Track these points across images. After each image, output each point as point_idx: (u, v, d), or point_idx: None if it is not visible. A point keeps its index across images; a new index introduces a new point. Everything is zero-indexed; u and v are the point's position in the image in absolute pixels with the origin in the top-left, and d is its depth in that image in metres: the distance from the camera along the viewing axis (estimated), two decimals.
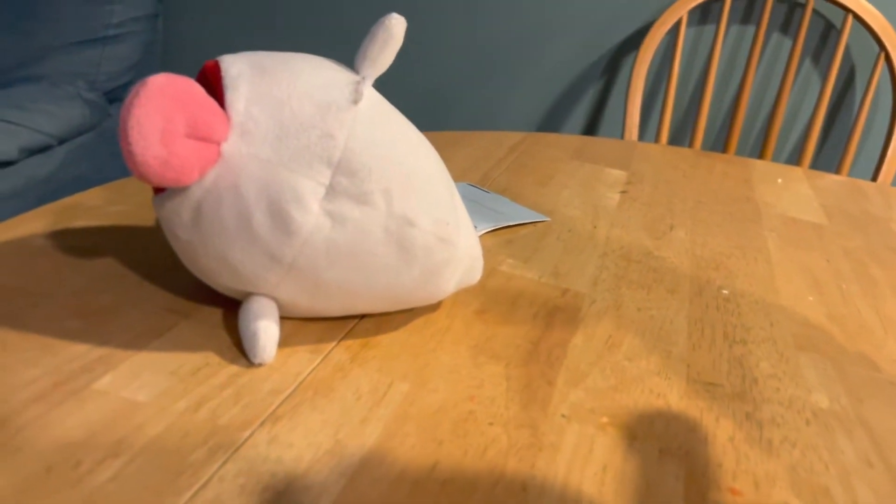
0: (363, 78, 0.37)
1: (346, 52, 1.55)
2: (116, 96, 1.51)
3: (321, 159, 0.35)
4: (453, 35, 1.47)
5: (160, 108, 0.31)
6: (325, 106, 0.35)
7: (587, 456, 0.34)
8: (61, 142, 1.35)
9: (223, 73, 0.35)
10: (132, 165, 0.31)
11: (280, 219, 0.34)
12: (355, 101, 0.36)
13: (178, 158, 0.32)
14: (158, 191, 0.37)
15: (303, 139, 0.35)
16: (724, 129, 1.41)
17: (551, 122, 1.49)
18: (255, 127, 0.34)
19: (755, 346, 0.46)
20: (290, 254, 0.35)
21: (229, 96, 0.35)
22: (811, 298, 0.54)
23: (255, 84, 0.35)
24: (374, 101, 0.37)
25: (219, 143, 0.34)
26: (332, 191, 0.35)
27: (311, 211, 0.35)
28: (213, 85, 0.36)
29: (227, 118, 0.34)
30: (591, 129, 1.47)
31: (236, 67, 0.36)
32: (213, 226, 0.35)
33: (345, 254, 0.36)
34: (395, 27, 0.37)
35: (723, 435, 0.37)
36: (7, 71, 1.43)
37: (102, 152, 1.46)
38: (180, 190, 0.35)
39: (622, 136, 1.36)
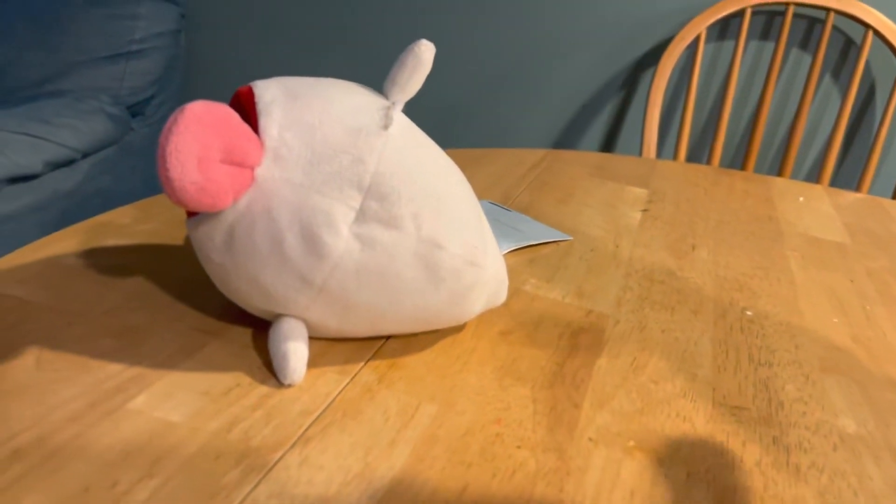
0: (393, 103, 0.38)
1: (368, 68, 1.56)
2: (139, 111, 1.53)
3: (352, 184, 0.35)
4: (471, 51, 1.48)
5: (198, 136, 0.32)
6: (356, 131, 0.36)
7: (615, 480, 0.34)
8: (85, 156, 1.37)
9: (257, 99, 0.36)
10: (170, 191, 0.32)
11: (311, 242, 0.35)
12: (385, 127, 0.37)
13: (214, 184, 0.32)
14: (192, 214, 0.38)
15: (334, 164, 0.35)
16: (743, 145, 1.41)
17: (569, 138, 1.49)
18: (287, 152, 0.35)
19: (780, 368, 0.46)
20: (320, 276, 0.36)
21: (263, 122, 0.35)
22: (836, 320, 0.53)
23: (288, 110, 0.36)
24: (403, 126, 0.38)
25: (252, 168, 0.34)
26: (362, 215, 0.36)
27: (342, 234, 0.35)
28: (247, 110, 0.37)
29: (261, 143, 0.35)
30: (608, 145, 1.48)
31: (270, 93, 0.36)
32: (245, 249, 0.35)
33: (374, 276, 0.36)
34: (424, 54, 0.37)
35: (750, 459, 0.37)
36: (33, 86, 1.46)
37: (124, 166, 1.48)
38: (214, 214, 0.35)
39: (640, 153, 1.36)
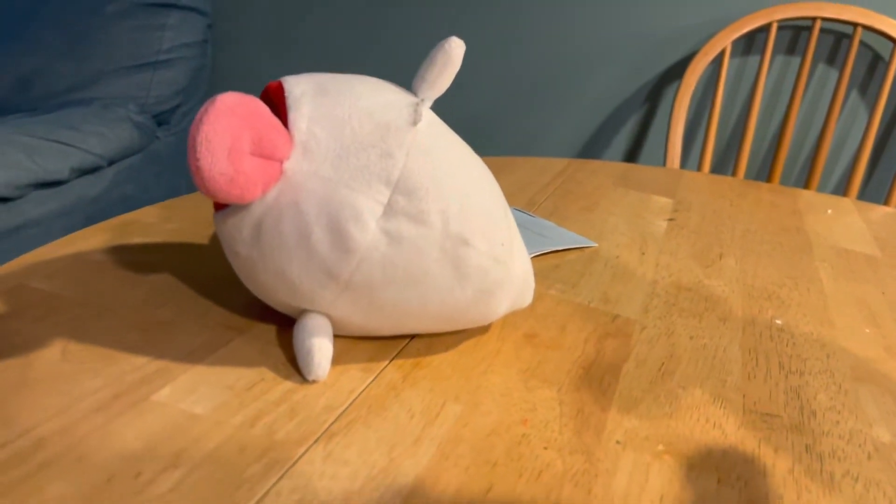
0: (422, 100, 0.38)
1: (394, 77, 1.57)
2: (164, 119, 1.55)
3: (380, 178, 0.35)
4: (496, 62, 1.49)
5: (228, 127, 0.32)
6: (385, 126, 0.36)
7: (643, 484, 0.33)
8: (111, 163, 1.39)
9: (287, 94, 0.36)
10: (199, 180, 0.32)
11: (339, 236, 0.35)
12: (414, 122, 0.36)
13: (243, 175, 0.32)
14: (219, 207, 0.38)
15: (362, 158, 0.35)
16: (768, 159, 1.39)
17: (593, 149, 1.49)
18: (316, 146, 0.35)
19: (812, 377, 0.45)
20: (346, 271, 0.35)
21: (292, 116, 0.35)
22: (868, 331, 0.52)
23: (318, 104, 0.36)
24: (432, 123, 0.38)
25: (281, 161, 0.34)
26: (389, 209, 0.35)
27: (369, 229, 0.35)
28: (277, 104, 0.37)
29: (290, 137, 0.35)
30: (632, 156, 1.47)
31: (300, 88, 0.36)
32: (272, 242, 0.35)
33: (400, 272, 0.36)
34: (454, 51, 0.37)
35: (782, 467, 0.36)
36: (62, 94, 1.48)
37: (148, 173, 1.50)
38: (242, 206, 0.35)
39: (664, 164, 1.35)
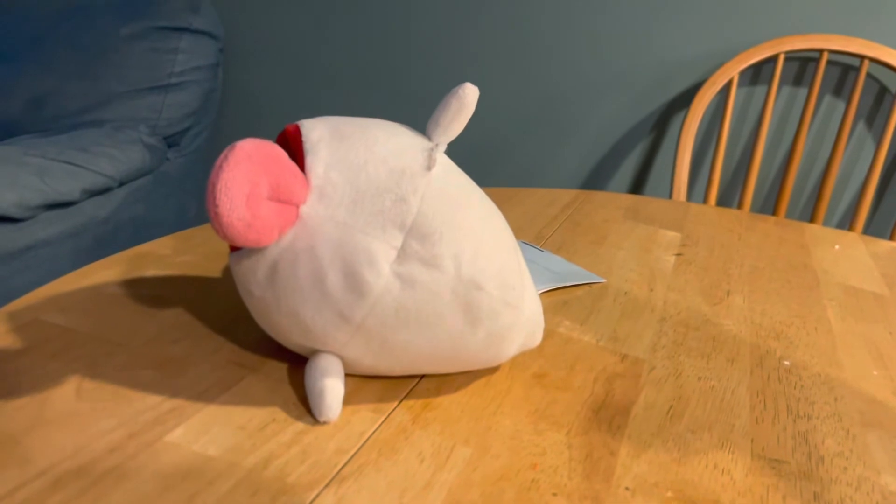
0: (436, 145, 0.38)
1: (399, 107, 1.58)
2: (175, 141, 1.56)
3: (394, 223, 0.36)
4: (503, 91, 1.50)
5: (247, 173, 0.32)
6: (400, 172, 0.36)
7: None
8: (121, 184, 1.40)
9: (304, 138, 0.37)
10: (217, 226, 0.32)
11: (353, 280, 0.35)
12: (429, 168, 0.37)
13: (260, 221, 0.33)
14: (235, 248, 0.38)
15: (377, 203, 0.36)
16: (774, 190, 1.40)
17: (599, 178, 1.49)
18: (332, 190, 0.35)
19: (820, 421, 0.45)
20: (360, 314, 0.36)
21: (309, 160, 0.36)
22: (876, 373, 0.52)
23: (334, 149, 0.36)
24: (446, 168, 0.38)
25: (298, 206, 0.35)
26: (403, 254, 0.36)
27: (383, 273, 0.35)
28: (293, 148, 0.38)
29: (307, 181, 0.35)
30: (637, 186, 1.48)
31: (316, 132, 0.37)
32: (287, 284, 0.36)
33: (413, 315, 0.36)
34: (468, 97, 0.38)
35: None
36: (74, 115, 1.50)
37: (158, 195, 1.51)
38: (257, 249, 0.36)
39: (670, 195, 1.36)
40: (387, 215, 0.36)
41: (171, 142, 1.56)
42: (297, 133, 0.38)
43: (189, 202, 1.64)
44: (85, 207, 1.33)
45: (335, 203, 0.35)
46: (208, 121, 1.64)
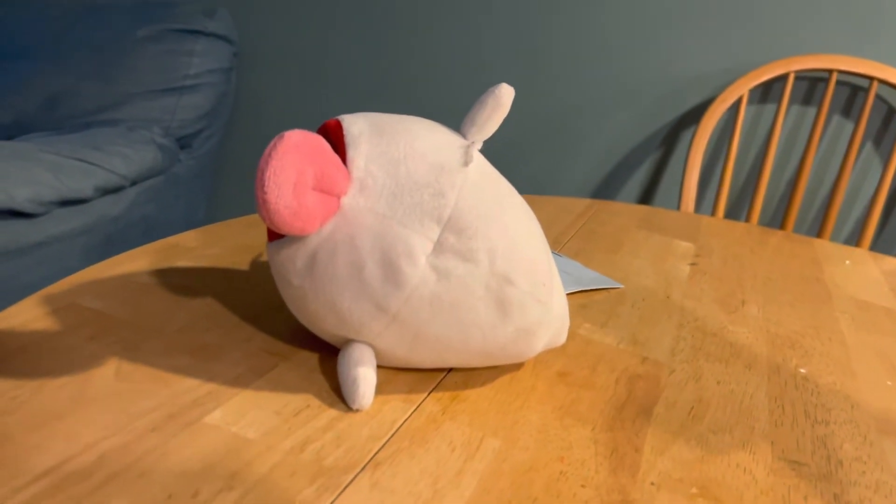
0: (472, 142, 0.39)
1: (413, 113, 1.59)
2: (187, 143, 1.57)
3: (432, 216, 0.36)
4: (516, 102, 1.51)
5: (294, 162, 0.33)
6: (438, 167, 0.37)
7: None
8: (133, 183, 1.41)
9: (345, 132, 0.38)
10: (265, 213, 0.33)
11: (390, 270, 0.36)
12: (466, 164, 0.38)
13: (305, 209, 0.34)
14: (273, 237, 0.39)
15: (416, 197, 0.36)
16: (782, 207, 1.41)
17: (609, 189, 1.51)
18: (373, 183, 0.36)
19: (837, 427, 0.46)
20: (395, 304, 0.37)
21: (351, 153, 0.37)
22: (889, 383, 0.53)
23: (375, 143, 0.37)
24: (481, 165, 0.39)
25: (339, 197, 0.36)
26: (439, 246, 0.37)
27: (420, 265, 0.36)
28: (335, 141, 0.39)
29: (348, 174, 0.36)
30: (646, 198, 1.49)
31: (357, 127, 0.38)
32: (326, 273, 0.36)
33: (446, 307, 0.37)
34: (504, 97, 0.39)
35: None
36: (89, 114, 1.51)
37: (169, 195, 1.52)
38: (297, 238, 0.37)
39: (678, 208, 1.37)
40: (425, 208, 0.36)
41: (184, 143, 1.57)
42: (339, 127, 0.39)
43: (199, 203, 1.65)
44: (97, 205, 1.34)
45: (375, 195, 0.36)
46: (220, 124, 1.65)
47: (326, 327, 0.39)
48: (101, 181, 1.33)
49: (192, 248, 0.54)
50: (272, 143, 0.33)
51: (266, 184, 0.33)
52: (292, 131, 0.34)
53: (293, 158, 0.33)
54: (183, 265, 0.51)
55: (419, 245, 0.36)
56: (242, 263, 0.53)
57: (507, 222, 0.38)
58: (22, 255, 1.23)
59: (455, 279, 0.37)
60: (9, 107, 1.54)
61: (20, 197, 1.18)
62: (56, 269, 1.29)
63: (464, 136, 0.40)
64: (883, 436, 0.46)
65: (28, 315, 0.41)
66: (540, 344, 0.41)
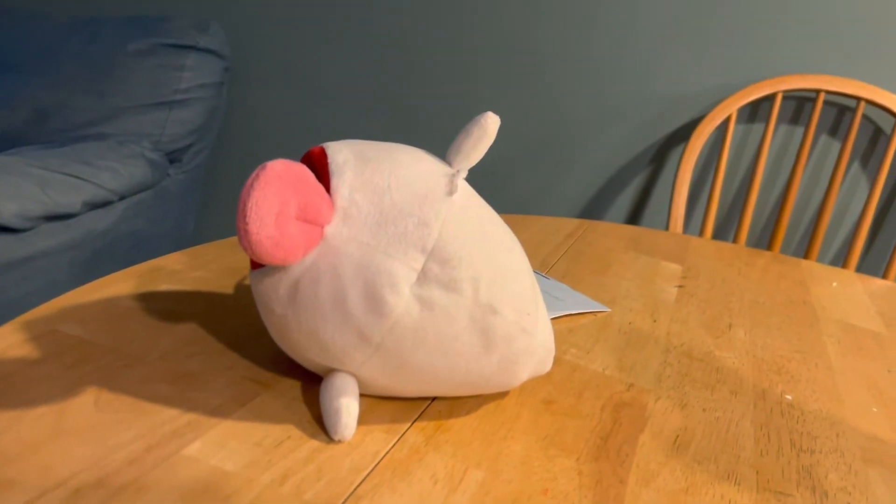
0: (457, 171, 0.39)
1: (402, 131, 1.60)
2: (176, 157, 1.57)
3: (416, 246, 0.36)
4: (504, 121, 1.52)
5: (277, 193, 0.33)
6: (423, 196, 0.37)
7: None
8: (122, 198, 1.40)
9: (330, 160, 0.37)
10: (246, 244, 0.33)
11: (374, 300, 0.36)
12: (450, 193, 0.38)
13: (288, 239, 0.33)
14: (256, 266, 0.39)
15: (400, 226, 0.36)
16: (769, 226, 1.42)
17: (598, 207, 1.51)
18: (357, 212, 0.36)
19: (822, 456, 0.45)
20: (378, 334, 0.36)
21: (335, 182, 0.37)
22: (875, 410, 0.53)
23: (359, 172, 0.37)
24: (466, 194, 0.39)
25: (323, 226, 0.36)
26: (423, 276, 0.36)
27: (403, 295, 0.36)
28: (318, 170, 0.38)
29: (332, 203, 0.36)
30: (635, 217, 1.49)
31: (342, 155, 0.38)
32: (308, 303, 0.36)
33: (430, 337, 0.37)
34: (490, 126, 0.39)
35: None
36: (79, 128, 1.50)
37: (157, 210, 1.51)
38: (280, 267, 0.36)
39: (666, 227, 1.37)
40: (409, 238, 0.36)
41: (173, 158, 1.57)
42: (323, 155, 0.38)
43: (188, 218, 1.64)
44: (85, 220, 1.33)
45: (359, 224, 0.36)
46: (210, 138, 1.65)
47: (309, 356, 0.39)
48: (90, 196, 1.32)
49: (177, 270, 0.54)
50: (254, 174, 0.33)
51: (248, 215, 0.32)
52: (275, 161, 0.34)
53: (275, 189, 0.33)
54: (167, 289, 0.50)
55: (403, 275, 0.36)
56: (228, 287, 0.53)
57: (492, 252, 0.38)
58: (8, 271, 1.22)
59: (439, 309, 0.37)
60: None
61: (7, 212, 1.18)
62: (43, 284, 1.28)
63: (449, 163, 0.40)
64: (868, 465, 0.45)
65: (6, 342, 0.41)
66: (524, 373, 0.41)
